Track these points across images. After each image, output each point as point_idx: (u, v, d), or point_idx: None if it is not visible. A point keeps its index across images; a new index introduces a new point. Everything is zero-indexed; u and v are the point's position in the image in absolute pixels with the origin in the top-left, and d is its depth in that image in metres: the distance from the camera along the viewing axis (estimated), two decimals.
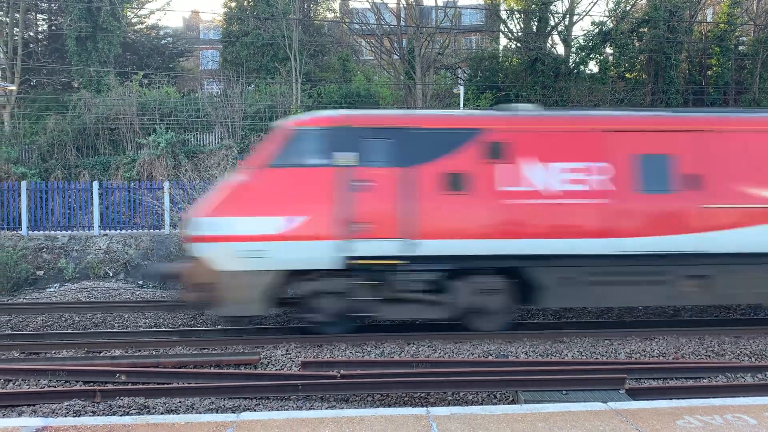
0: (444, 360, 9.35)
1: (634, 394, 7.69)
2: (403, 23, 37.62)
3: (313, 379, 8.28)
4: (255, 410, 7.48)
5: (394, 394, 8.05)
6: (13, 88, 30.25)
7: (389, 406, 7.80)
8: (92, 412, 7.34)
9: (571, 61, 34.68)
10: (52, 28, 38.03)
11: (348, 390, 8.04)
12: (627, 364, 9.09)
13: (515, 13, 36.17)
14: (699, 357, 9.89)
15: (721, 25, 34.18)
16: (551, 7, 35.08)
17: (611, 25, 34.53)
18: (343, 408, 7.61)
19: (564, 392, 7.70)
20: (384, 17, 38.72)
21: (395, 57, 38.33)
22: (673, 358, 9.77)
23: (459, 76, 38.81)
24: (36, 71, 36.05)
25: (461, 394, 8.09)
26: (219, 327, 12.10)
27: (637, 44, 34.69)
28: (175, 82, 37.44)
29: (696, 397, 7.10)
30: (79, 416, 7.13)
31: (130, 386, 8.21)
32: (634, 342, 10.56)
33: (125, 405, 7.51)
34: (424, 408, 6.34)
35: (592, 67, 35.93)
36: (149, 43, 40.68)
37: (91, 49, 32.85)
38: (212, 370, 9.09)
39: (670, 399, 7.06)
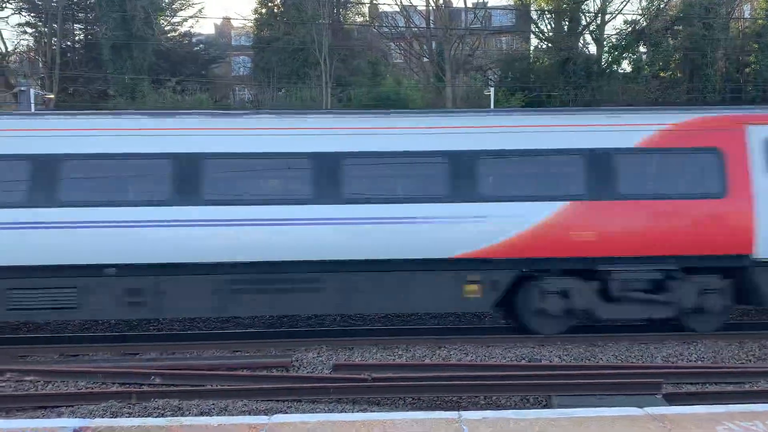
0: (476, 364, 9.27)
1: (672, 399, 7.52)
2: (432, 26, 37.59)
3: (345, 381, 8.29)
4: (287, 412, 7.52)
5: (426, 397, 8.01)
6: (52, 96, 31.09)
7: (420, 409, 7.77)
8: (128, 413, 7.47)
9: (603, 60, 34.24)
10: (89, 37, 38.98)
11: (379, 393, 8.03)
12: (664, 368, 8.89)
13: (546, 13, 35.86)
14: (739, 361, 9.63)
15: (759, 21, 33.39)
16: (583, 7, 34.66)
17: (644, 24, 33.96)
18: (374, 411, 7.60)
19: (598, 397, 7.57)
20: (413, 20, 38.74)
21: (425, 59, 38.33)
22: (711, 363, 9.52)
23: (489, 77, 38.61)
24: (73, 80, 36.97)
25: (493, 398, 8.01)
26: (251, 330, 12.21)
27: (671, 42, 34.07)
28: (208, 89, 38.01)
29: (736, 403, 6.91)
30: (115, 417, 7.26)
31: (164, 388, 8.32)
32: (671, 346, 10.32)
33: (160, 407, 7.62)
34: (456, 411, 6.29)
35: (625, 66, 35.44)
36: (182, 51, 41.36)
37: (126, 57, 33.55)
38: (245, 372, 9.16)
39: (709, 404, 6.88)
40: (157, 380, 8.70)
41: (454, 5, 41.13)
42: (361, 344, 10.55)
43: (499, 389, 8.00)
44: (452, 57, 34.69)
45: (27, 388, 8.66)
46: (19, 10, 38.38)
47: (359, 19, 42.76)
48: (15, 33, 59.69)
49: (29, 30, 39.41)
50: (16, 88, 28.77)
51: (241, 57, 48.49)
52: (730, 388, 8.29)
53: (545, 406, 7.74)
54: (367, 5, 42.40)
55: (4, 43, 41.54)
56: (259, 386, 8.25)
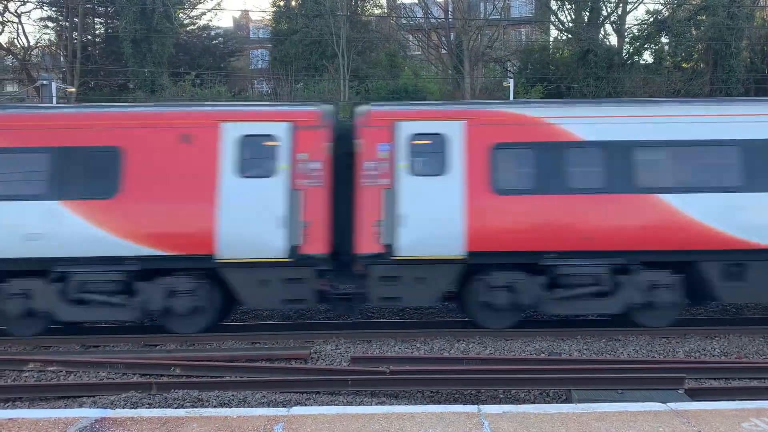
0: (495, 357, 9.21)
1: (694, 394, 7.41)
2: (450, 17, 37.33)
3: (363, 374, 8.28)
4: (306, 404, 7.53)
5: (444, 390, 7.97)
6: (73, 89, 31.39)
7: (439, 402, 7.73)
8: (148, 404, 7.52)
9: (624, 51, 33.71)
10: (109, 31, 39.28)
11: (397, 386, 8.01)
12: (686, 363, 8.77)
13: (566, 3, 35.38)
14: (763, 356, 9.47)
15: None
16: None
17: (667, 14, 33.39)
18: (392, 404, 7.58)
19: (619, 391, 7.48)
20: (431, 11, 38.49)
21: (443, 51, 38.08)
22: (735, 358, 9.38)
23: (508, 69, 38.27)
24: (94, 73, 37.30)
25: (513, 391, 7.95)
26: (269, 322, 12.25)
27: (694, 32, 33.44)
28: (226, 82, 38.14)
29: (762, 399, 6.78)
30: (135, 408, 7.32)
31: (184, 379, 8.38)
32: (693, 340, 10.18)
33: (180, 397, 7.67)
34: (475, 405, 6.24)
35: (647, 57, 34.87)
36: (201, 44, 41.55)
37: (146, 50, 33.74)
38: (264, 364, 9.19)
39: (733, 400, 6.76)
40: (177, 371, 8.76)
41: None
42: (380, 337, 10.54)
43: (518, 383, 7.94)
44: (471, 48, 34.41)
45: (49, 378, 8.78)
46: (40, 5, 38.80)
47: (377, 11, 42.58)
48: (37, 27, 60.51)
49: (51, 24, 39.84)
50: (38, 82, 29.09)
51: (260, 50, 48.57)
52: (755, 383, 8.15)
53: (565, 401, 7.67)
54: None
55: (27, 38, 42.02)
56: (278, 378, 8.27)
